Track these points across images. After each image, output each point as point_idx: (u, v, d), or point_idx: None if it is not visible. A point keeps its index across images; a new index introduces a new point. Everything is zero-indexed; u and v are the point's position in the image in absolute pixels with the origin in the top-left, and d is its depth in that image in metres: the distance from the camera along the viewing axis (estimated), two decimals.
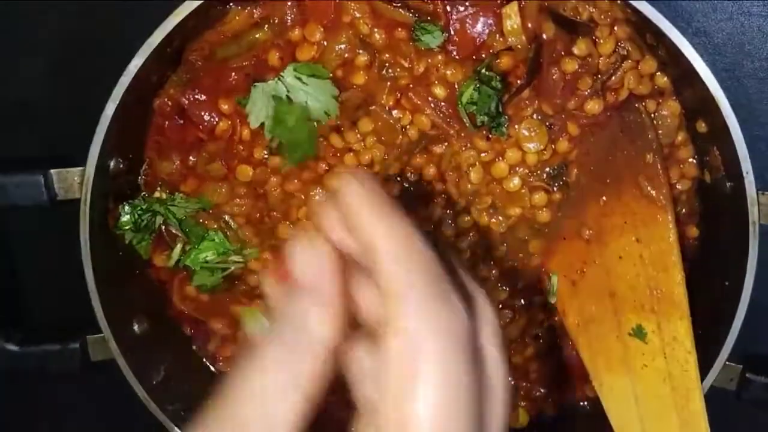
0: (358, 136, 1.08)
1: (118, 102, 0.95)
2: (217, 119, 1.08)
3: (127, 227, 1.10)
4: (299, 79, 1.04)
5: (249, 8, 1.03)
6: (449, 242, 1.13)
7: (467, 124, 1.05)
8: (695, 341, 1.05)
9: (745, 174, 0.96)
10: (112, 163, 1.05)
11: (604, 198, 1.09)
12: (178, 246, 1.15)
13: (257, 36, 1.04)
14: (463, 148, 1.08)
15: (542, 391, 1.23)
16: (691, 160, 1.09)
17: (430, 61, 1.03)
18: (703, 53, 0.97)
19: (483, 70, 1.02)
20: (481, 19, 1.01)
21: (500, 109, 1.03)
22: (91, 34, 1.12)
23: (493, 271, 1.15)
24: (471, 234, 1.13)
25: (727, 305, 1.04)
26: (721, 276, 1.06)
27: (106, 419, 1.27)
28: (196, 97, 1.07)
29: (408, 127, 1.07)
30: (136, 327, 1.15)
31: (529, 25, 1.01)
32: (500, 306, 1.17)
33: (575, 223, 1.12)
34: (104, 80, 0.98)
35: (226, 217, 1.14)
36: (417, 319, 0.65)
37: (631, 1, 0.93)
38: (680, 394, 1.05)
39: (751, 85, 1.14)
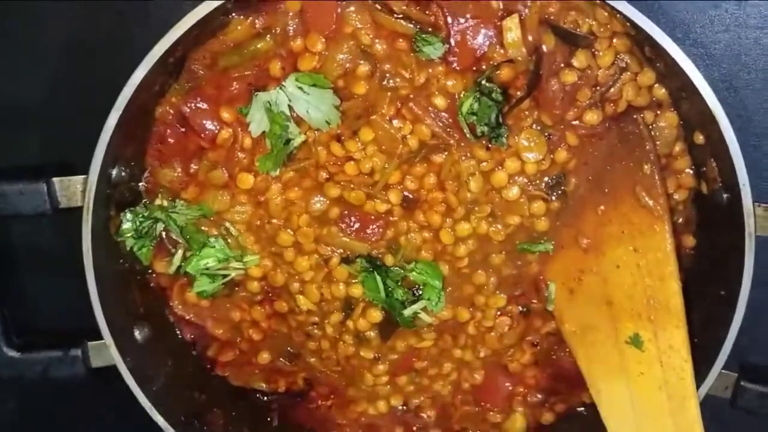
0: (359, 145, 1.09)
1: (121, 112, 0.96)
2: (218, 127, 1.08)
3: (128, 234, 1.11)
4: (301, 88, 1.04)
5: (251, 18, 1.04)
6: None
7: (467, 134, 1.06)
8: (691, 350, 1.06)
9: (741, 186, 0.97)
10: (114, 172, 1.05)
11: (602, 207, 1.10)
12: (179, 253, 1.15)
13: (259, 46, 1.04)
14: (463, 158, 1.09)
15: (539, 396, 1.24)
16: (688, 170, 1.10)
17: (430, 71, 1.04)
18: (701, 65, 0.98)
19: (483, 82, 1.03)
20: (482, 31, 1.02)
21: (500, 120, 1.04)
22: (94, 44, 1.12)
23: (492, 279, 1.16)
24: (470, 242, 1.14)
25: (722, 314, 1.05)
26: (717, 285, 1.07)
27: (106, 425, 1.27)
28: (198, 105, 1.08)
29: (408, 136, 1.08)
30: (137, 333, 1.15)
31: (530, 37, 1.02)
32: (498, 313, 1.18)
33: (573, 232, 1.13)
34: (107, 90, 0.98)
35: (227, 224, 1.14)
36: None
37: (629, 15, 0.94)
38: (676, 401, 1.07)
39: (747, 97, 1.15)
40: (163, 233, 1.15)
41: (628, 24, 0.99)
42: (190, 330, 1.23)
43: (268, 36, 1.04)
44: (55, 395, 1.23)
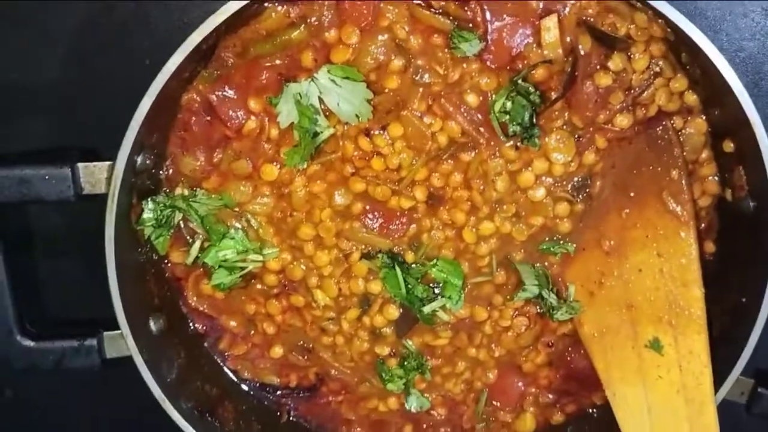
0: (388, 140, 1.08)
1: (154, 98, 0.93)
2: (245, 117, 1.07)
3: (149, 223, 1.08)
4: (333, 80, 1.03)
5: (286, 7, 1.02)
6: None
7: (499, 133, 1.05)
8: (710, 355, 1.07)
9: None
10: (139, 159, 1.03)
11: (626, 211, 1.10)
12: (197, 243, 1.13)
13: (292, 35, 1.03)
14: (492, 157, 1.08)
15: (551, 397, 1.25)
16: (713, 177, 1.10)
17: (465, 68, 1.04)
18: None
19: (520, 81, 1.02)
20: (520, 30, 1.01)
21: (534, 121, 1.03)
22: (123, 29, 1.09)
23: (512, 278, 1.16)
24: (492, 241, 1.13)
25: (742, 321, 1.06)
26: (737, 292, 1.08)
27: (120, 416, 1.25)
28: (226, 94, 1.06)
29: (438, 133, 1.07)
30: (152, 324, 1.13)
31: (567, 38, 1.01)
32: (516, 313, 1.18)
33: (596, 234, 1.13)
34: (138, 75, 0.96)
35: (248, 216, 1.13)
36: None
37: (672, 17, 0.94)
38: (693, 406, 1.08)
39: (765, 106, 1.16)
40: (181, 223, 1.13)
41: (668, 29, 0.99)
42: (202, 322, 1.22)
43: (303, 26, 1.02)
44: (69, 385, 1.20)
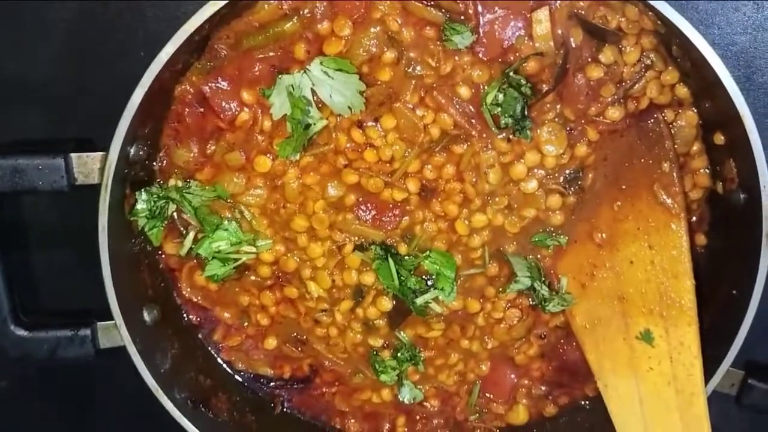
0: (380, 132, 1.08)
1: (146, 89, 0.94)
2: (238, 109, 1.07)
3: (142, 214, 1.09)
4: (326, 72, 1.03)
5: None
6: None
7: (491, 125, 1.06)
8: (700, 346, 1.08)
9: (762, 187, 0.98)
10: (132, 150, 1.03)
11: (618, 203, 1.11)
12: (191, 234, 1.14)
13: (285, 27, 1.03)
14: (484, 149, 1.09)
15: (543, 389, 1.25)
16: (704, 170, 1.11)
17: (457, 60, 1.04)
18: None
19: (512, 74, 1.02)
20: (512, 22, 1.01)
21: (525, 113, 1.04)
22: (117, 21, 1.10)
23: (504, 270, 1.17)
24: (484, 233, 1.14)
25: (733, 313, 1.06)
26: (728, 284, 1.09)
27: (113, 406, 1.25)
28: (219, 85, 1.06)
29: (430, 125, 1.08)
30: (146, 314, 1.14)
31: (559, 31, 1.02)
32: (508, 305, 1.18)
33: (588, 226, 1.13)
34: (131, 66, 0.96)
35: (241, 207, 1.13)
36: None
37: (662, 11, 0.94)
38: (684, 397, 1.08)
39: (759, 99, 1.17)
40: (175, 214, 1.14)
41: (658, 21, 0.99)
42: (196, 313, 1.22)
43: (295, 18, 1.03)
44: (63, 375, 1.21)
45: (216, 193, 1.11)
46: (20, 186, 0.99)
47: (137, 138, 1.04)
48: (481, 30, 1.02)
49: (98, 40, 1.10)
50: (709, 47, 0.95)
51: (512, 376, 1.24)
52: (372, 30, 1.03)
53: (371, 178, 1.10)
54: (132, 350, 1.08)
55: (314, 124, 1.07)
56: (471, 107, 1.07)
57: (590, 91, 1.05)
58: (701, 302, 1.09)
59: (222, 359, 1.24)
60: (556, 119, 1.08)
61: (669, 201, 1.07)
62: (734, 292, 1.07)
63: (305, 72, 1.04)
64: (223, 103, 1.07)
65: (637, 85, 1.05)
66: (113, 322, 1.07)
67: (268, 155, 1.09)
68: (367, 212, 1.12)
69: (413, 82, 1.06)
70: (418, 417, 1.28)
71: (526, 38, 1.02)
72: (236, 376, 1.25)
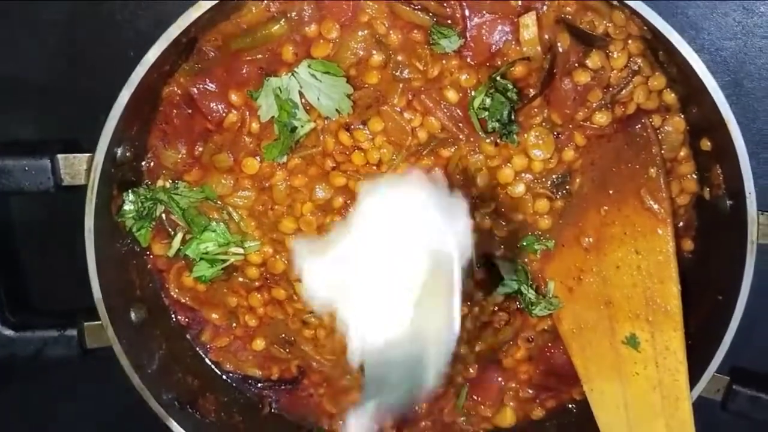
0: (368, 135, 1.08)
1: (132, 90, 0.94)
2: (226, 110, 1.07)
3: (130, 215, 1.09)
4: (313, 75, 1.03)
5: (266, 1, 1.02)
6: None
7: (478, 129, 1.06)
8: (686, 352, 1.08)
9: (747, 194, 0.98)
10: (119, 151, 1.04)
11: (605, 208, 1.11)
12: (179, 235, 1.14)
13: (273, 29, 1.03)
14: (471, 153, 1.09)
15: (530, 392, 1.25)
16: (691, 175, 1.11)
17: (444, 64, 1.04)
18: (709, 70, 0.99)
19: (498, 78, 1.03)
20: (499, 26, 1.02)
21: (512, 117, 1.04)
22: (107, 21, 1.10)
23: (492, 274, 1.17)
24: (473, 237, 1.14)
25: (718, 319, 1.07)
26: (714, 290, 1.09)
27: (100, 407, 1.25)
28: (207, 87, 1.06)
29: (418, 128, 1.08)
30: (133, 315, 1.14)
31: (546, 35, 1.02)
32: (496, 308, 1.18)
33: (575, 230, 1.14)
34: (118, 67, 0.96)
35: (229, 209, 1.13)
36: None
37: (647, 17, 0.95)
38: (669, 402, 1.08)
39: (749, 105, 1.17)
40: (163, 215, 1.14)
41: (644, 27, 0.99)
42: (184, 314, 1.22)
43: (283, 20, 1.03)
44: (49, 375, 1.21)
45: (204, 195, 1.12)
46: (6, 187, 1.00)
47: (124, 139, 1.04)
48: (468, 34, 1.02)
49: (87, 41, 1.10)
50: (693, 53, 0.95)
51: (499, 379, 1.24)
52: (360, 33, 1.03)
53: (359, 180, 1.10)
54: (118, 350, 1.08)
55: (301, 126, 1.07)
56: (458, 111, 1.07)
57: (577, 96, 1.05)
58: (687, 307, 1.09)
59: (210, 360, 1.25)
60: (544, 124, 1.08)
61: (656, 206, 1.07)
62: (720, 297, 1.07)
63: (293, 74, 1.04)
64: (211, 105, 1.07)
65: (624, 90, 1.05)
66: (100, 322, 1.07)
67: (256, 157, 1.10)
68: None
69: (401, 85, 1.06)
70: (405, 419, 1.28)
71: (513, 43, 1.02)
72: (224, 377, 1.25)
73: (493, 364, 1.24)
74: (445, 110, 1.06)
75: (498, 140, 1.08)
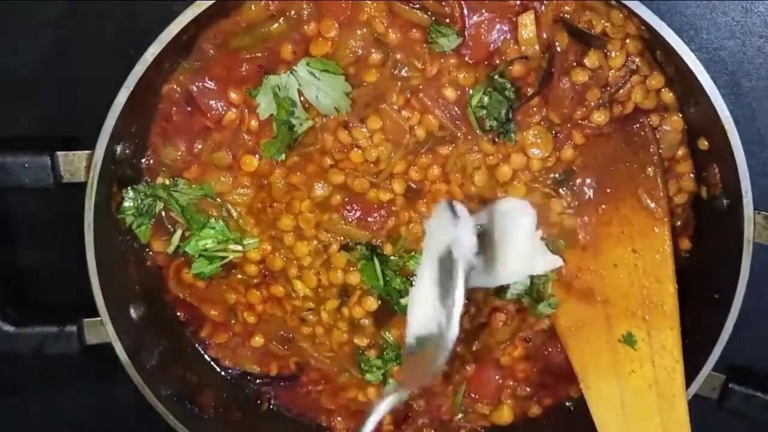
0: (366, 133, 1.08)
1: (132, 89, 0.94)
2: (225, 108, 1.08)
3: (129, 212, 1.10)
4: (312, 73, 1.04)
5: (266, 0, 1.02)
6: None
7: (475, 128, 1.06)
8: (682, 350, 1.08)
9: (744, 193, 0.99)
10: (118, 148, 1.04)
11: (603, 207, 1.11)
12: (178, 232, 1.15)
13: (272, 28, 1.03)
14: (470, 151, 1.09)
15: (528, 390, 1.26)
16: (689, 175, 1.11)
17: (443, 63, 1.04)
18: (708, 70, 0.99)
19: (496, 77, 1.03)
20: (497, 25, 1.02)
21: (510, 116, 1.04)
22: (107, 18, 1.10)
23: None
24: None
25: (714, 317, 1.07)
26: (711, 289, 1.09)
27: (100, 403, 1.26)
28: (206, 85, 1.07)
29: (416, 127, 1.08)
30: (132, 311, 1.15)
31: (544, 35, 1.02)
32: (494, 309, 1.19)
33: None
34: (118, 65, 0.97)
35: (228, 206, 1.14)
36: None
37: (644, 16, 0.95)
38: (665, 400, 1.09)
39: (748, 104, 1.17)
40: (163, 212, 1.15)
41: (642, 27, 0.99)
42: (184, 310, 1.23)
43: (282, 19, 1.03)
44: (49, 371, 1.22)
45: (203, 192, 1.12)
46: (6, 183, 1.00)
47: (124, 136, 1.04)
48: (466, 33, 1.02)
49: (87, 39, 1.11)
50: (691, 53, 0.95)
51: (497, 377, 1.25)
52: (358, 32, 1.03)
53: (357, 178, 1.10)
54: (118, 347, 1.09)
55: (300, 124, 1.07)
56: (457, 109, 1.07)
57: (575, 95, 1.05)
58: (684, 306, 1.09)
59: (209, 356, 1.25)
60: (542, 123, 1.08)
61: (653, 205, 1.08)
62: (716, 296, 1.08)
63: (292, 73, 1.04)
64: (211, 103, 1.07)
65: (622, 89, 1.05)
66: (100, 318, 1.08)
67: (255, 155, 1.10)
68: (353, 212, 1.13)
69: (399, 83, 1.06)
70: (403, 416, 1.29)
71: (511, 42, 1.03)
72: (223, 373, 1.26)
73: (490, 363, 1.24)
74: (443, 108, 1.07)
75: (496, 139, 1.08)
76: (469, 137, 1.08)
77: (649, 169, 1.08)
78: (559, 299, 1.16)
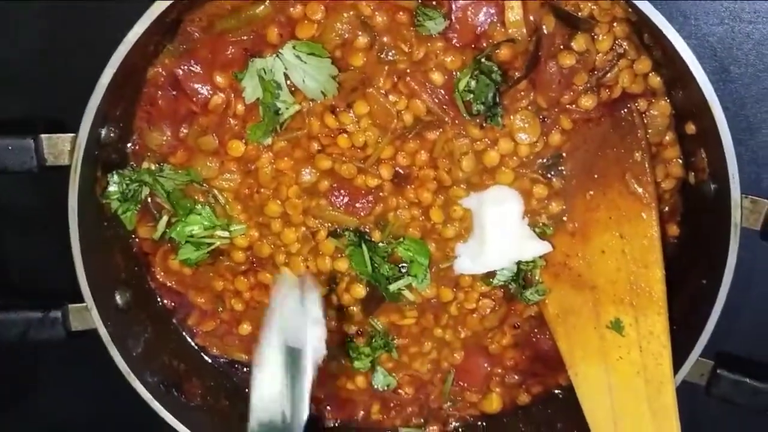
0: (353, 118, 1.08)
1: (115, 70, 0.94)
2: (211, 92, 1.07)
3: (114, 197, 1.09)
4: (298, 56, 1.03)
5: None
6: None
7: (463, 112, 1.06)
8: (670, 336, 1.08)
9: (731, 177, 0.98)
10: (103, 132, 1.03)
11: (590, 193, 1.11)
12: (164, 218, 1.14)
13: (257, 10, 1.03)
14: (457, 136, 1.09)
15: (517, 378, 1.25)
16: (677, 160, 1.11)
17: (429, 46, 1.04)
18: (696, 56, 0.99)
19: (483, 60, 1.02)
20: (484, 8, 1.01)
21: (497, 100, 1.04)
22: (91, 0, 1.09)
23: None
24: (457, 224, 1.14)
25: (702, 303, 1.07)
26: (698, 275, 1.09)
27: (85, 389, 1.25)
28: (192, 68, 1.06)
29: (403, 111, 1.07)
30: (118, 298, 1.14)
31: (531, 17, 1.02)
32: (481, 297, 1.18)
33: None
34: (101, 47, 0.96)
35: (215, 192, 1.13)
36: None
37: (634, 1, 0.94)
38: (653, 386, 1.09)
39: (736, 90, 1.16)
40: (149, 198, 1.14)
41: (629, 9, 0.99)
42: (171, 298, 1.22)
43: (267, 1, 1.02)
44: (34, 358, 1.21)
45: (189, 177, 1.11)
46: None
47: (109, 120, 1.03)
48: (453, 16, 1.02)
49: (71, 20, 1.10)
50: (680, 39, 0.95)
51: (486, 365, 1.24)
52: (345, 14, 1.03)
53: (345, 164, 1.10)
54: (103, 333, 1.08)
55: (286, 108, 1.06)
56: (444, 94, 1.06)
57: (563, 79, 1.05)
58: (672, 292, 1.09)
59: (196, 344, 1.24)
60: (529, 107, 1.07)
61: (640, 190, 1.07)
62: (704, 281, 1.07)
63: (278, 56, 1.03)
64: (196, 87, 1.07)
65: (609, 73, 1.05)
66: (85, 304, 1.07)
67: (242, 140, 1.09)
68: (341, 198, 1.12)
69: (386, 67, 1.05)
70: (392, 404, 1.28)
71: (498, 24, 1.02)
72: (210, 362, 1.25)
73: (479, 350, 1.24)
74: (430, 93, 1.06)
75: (483, 123, 1.07)
76: (457, 122, 1.08)
77: (637, 154, 1.07)
78: (547, 286, 1.15)
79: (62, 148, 1.01)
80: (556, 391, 1.26)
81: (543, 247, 1.12)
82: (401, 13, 1.03)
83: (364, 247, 1.13)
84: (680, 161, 1.11)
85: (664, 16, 0.97)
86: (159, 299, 1.22)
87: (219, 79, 1.06)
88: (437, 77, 1.05)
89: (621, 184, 1.08)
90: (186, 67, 1.05)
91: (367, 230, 1.14)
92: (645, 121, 1.08)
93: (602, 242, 1.11)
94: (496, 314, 1.19)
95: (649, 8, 0.96)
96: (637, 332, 1.09)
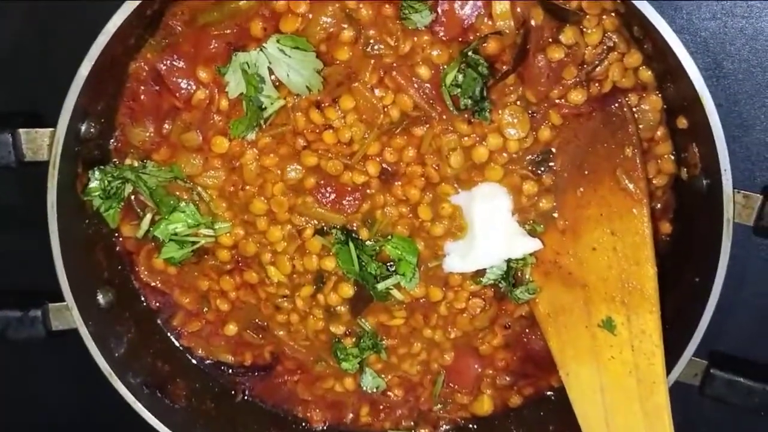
0: (339, 113, 1.06)
1: (94, 62, 0.92)
2: (194, 87, 1.05)
3: (96, 193, 1.07)
4: (282, 50, 1.01)
5: None
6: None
7: (450, 107, 1.04)
8: (662, 336, 1.06)
9: (723, 171, 0.97)
10: (83, 127, 1.02)
11: (581, 189, 1.09)
12: (147, 216, 1.12)
13: (241, 3, 1.02)
14: (445, 131, 1.07)
15: (508, 379, 1.23)
16: (668, 156, 1.09)
17: (416, 40, 1.02)
18: (688, 50, 0.97)
19: (470, 53, 1.01)
20: (471, 1, 1.00)
21: (485, 94, 1.02)
22: None
23: None
24: (446, 222, 1.12)
25: (695, 302, 1.05)
26: (691, 273, 1.07)
27: (65, 389, 1.23)
28: (174, 63, 1.05)
29: (390, 106, 1.06)
30: (100, 297, 1.12)
31: (519, 9, 1.00)
32: (471, 296, 1.16)
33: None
34: (80, 38, 0.94)
35: (199, 189, 1.11)
36: None
37: None
38: (645, 386, 1.07)
39: (729, 86, 1.15)
40: (132, 196, 1.12)
41: (618, 1, 0.97)
42: (155, 298, 1.20)
43: None
44: (13, 357, 1.19)
45: (173, 174, 1.10)
46: None
47: (89, 115, 1.02)
48: (440, 8, 1.00)
49: (50, 12, 1.08)
50: (672, 33, 0.93)
51: (476, 366, 1.22)
52: (329, 7, 1.01)
53: (331, 160, 1.08)
54: (84, 333, 1.06)
55: (271, 104, 1.05)
56: (431, 88, 1.05)
57: (551, 73, 1.03)
58: (664, 291, 1.07)
59: (181, 345, 1.23)
60: (518, 102, 1.06)
61: (631, 186, 1.06)
62: (697, 279, 1.06)
63: (261, 50, 1.02)
64: (179, 81, 1.05)
65: (599, 67, 1.03)
66: (65, 303, 1.05)
67: (226, 136, 1.08)
68: (327, 195, 1.11)
69: (372, 61, 1.04)
70: (381, 406, 1.26)
71: (485, 17, 1.01)
72: (195, 363, 1.23)
73: (469, 351, 1.22)
74: (417, 87, 1.05)
75: (471, 118, 1.06)
76: (444, 117, 1.06)
77: (628, 149, 1.06)
78: (537, 284, 1.13)
79: (41, 143, 0.99)
80: (548, 393, 1.24)
81: (533, 245, 1.10)
82: (387, 5, 1.01)
83: (351, 245, 1.12)
84: (672, 157, 1.09)
85: (655, 8, 0.95)
86: (143, 299, 1.20)
87: (202, 73, 1.04)
88: (424, 71, 1.03)
89: (612, 180, 1.07)
90: (168, 61, 1.04)
91: (355, 228, 1.12)
92: (636, 116, 1.06)
93: (593, 239, 1.09)
94: (486, 314, 1.17)
95: (642, 3, 0.94)
96: (629, 331, 1.08)
